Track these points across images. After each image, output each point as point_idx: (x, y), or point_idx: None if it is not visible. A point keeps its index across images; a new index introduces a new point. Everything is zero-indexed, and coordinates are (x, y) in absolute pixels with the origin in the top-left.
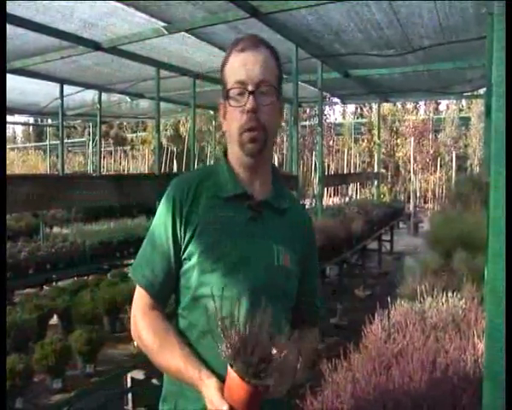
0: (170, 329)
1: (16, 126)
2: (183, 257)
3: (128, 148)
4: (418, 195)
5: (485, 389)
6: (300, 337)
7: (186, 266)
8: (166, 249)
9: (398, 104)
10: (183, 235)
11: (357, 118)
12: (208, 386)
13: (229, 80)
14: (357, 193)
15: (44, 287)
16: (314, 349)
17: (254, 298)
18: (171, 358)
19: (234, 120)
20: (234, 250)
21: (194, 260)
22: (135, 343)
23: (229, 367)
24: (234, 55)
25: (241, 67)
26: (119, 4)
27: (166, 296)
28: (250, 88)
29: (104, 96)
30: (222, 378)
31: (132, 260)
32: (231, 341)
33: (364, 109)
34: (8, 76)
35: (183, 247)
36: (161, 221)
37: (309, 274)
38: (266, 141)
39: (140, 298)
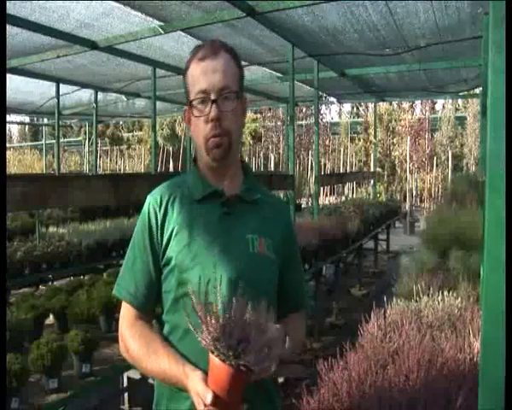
0: (155, 335)
1: (12, 126)
2: (163, 263)
3: (124, 147)
4: (414, 194)
5: (481, 390)
6: (285, 322)
7: (165, 271)
8: (146, 261)
9: (395, 103)
10: (160, 242)
11: (354, 117)
12: (193, 379)
13: (192, 89)
14: (353, 192)
15: (40, 287)
16: (301, 331)
17: (233, 287)
18: (156, 360)
19: (199, 128)
20: (209, 246)
21: (172, 263)
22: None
23: (210, 354)
24: (194, 63)
25: (202, 76)
26: (115, 3)
27: (151, 306)
28: (212, 96)
29: (100, 95)
30: (207, 372)
31: None
32: (209, 327)
33: (360, 109)
34: None
35: (161, 254)
36: (139, 234)
37: (290, 261)
38: (231, 144)
39: (125, 311)
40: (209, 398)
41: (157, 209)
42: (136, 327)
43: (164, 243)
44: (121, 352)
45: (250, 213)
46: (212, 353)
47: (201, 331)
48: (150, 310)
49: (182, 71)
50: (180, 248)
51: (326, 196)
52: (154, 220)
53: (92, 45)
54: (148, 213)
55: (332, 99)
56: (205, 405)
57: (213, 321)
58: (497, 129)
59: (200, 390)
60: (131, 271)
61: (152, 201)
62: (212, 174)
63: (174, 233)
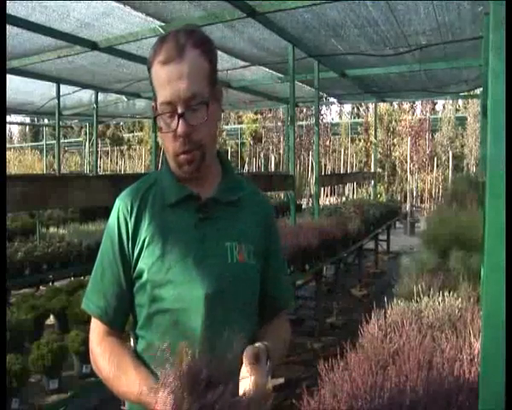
0: (125, 353)
1: (13, 126)
2: (134, 276)
3: (125, 148)
4: (415, 194)
5: (482, 390)
6: (270, 330)
7: (137, 284)
8: (116, 272)
9: (395, 104)
10: (131, 253)
11: (354, 118)
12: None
13: (157, 96)
14: (353, 193)
15: (41, 287)
16: (286, 336)
17: (210, 305)
18: (127, 384)
19: (167, 142)
20: (184, 258)
21: (144, 277)
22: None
23: None
24: (157, 65)
25: (166, 84)
26: (115, 4)
27: (122, 320)
28: (179, 110)
29: (101, 95)
30: None
31: None
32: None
33: (361, 109)
34: None
35: (132, 265)
36: (108, 244)
37: (273, 263)
38: (204, 156)
39: (95, 326)
40: None
41: (127, 217)
42: (105, 343)
43: (135, 254)
44: (93, 368)
45: (228, 217)
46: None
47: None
48: (121, 324)
49: None
50: (153, 260)
51: (326, 196)
52: (124, 229)
53: (93, 46)
54: (118, 220)
55: (332, 100)
56: None
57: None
58: (497, 131)
59: None
60: (101, 283)
61: (122, 206)
62: (185, 179)
63: (146, 244)
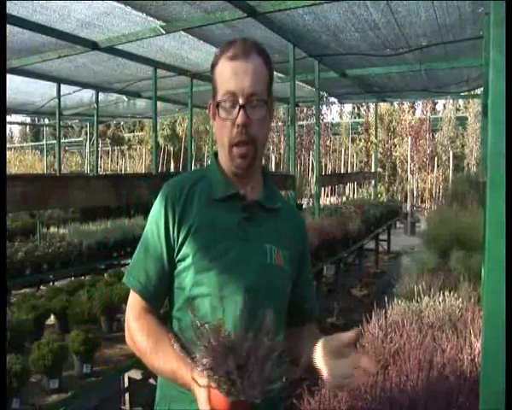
0: (163, 331)
1: (13, 126)
2: (177, 259)
3: (125, 147)
4: (415, 194)
5: (482, 390)
6: (302, 332)
7: (180, 267)
8: (160, 252)
9: (395, 104)
10: (176, 236)
11: (355, 117)
12: (199, 391)
13: (220, 88)
14: (354, 193)
15: (41, 287)
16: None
17: (248, 296)
18: (165, 359)
19: (224, 130)
20: (228, 251)
21: (188, 260)
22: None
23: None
24: (224, 60)
25: (232, 76)
26: (116, 3)
27: (161, 299)
28: (241, 101)
29: (101, 95)
30: None
31: (129, 260)
32: (203, 359)
33: (361, 109)
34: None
35: (176, 248)
36: (154, 224)
37: (304, 273)
38: (256, 153)
39: (134, 302)
40: None
41: (175, 202)
42: (144, 320)
43: (181, 238)
44: (127, 343)
45: (269, 221)
46: (209, 378)
47: (197, 360)
48: (159, 303)
49: (182, 71)
50: (198, 247)
51: (327, 196)
52: (171, 213)
53: (93, 45)
54: (166, 203)
55: (333, 99)
56: None
57: (211, 348)
58: (498, 127)
59: (202, 403)
60: (143, 260)
61: (171, 191)
62: (234, 177)
63: (193, 230)
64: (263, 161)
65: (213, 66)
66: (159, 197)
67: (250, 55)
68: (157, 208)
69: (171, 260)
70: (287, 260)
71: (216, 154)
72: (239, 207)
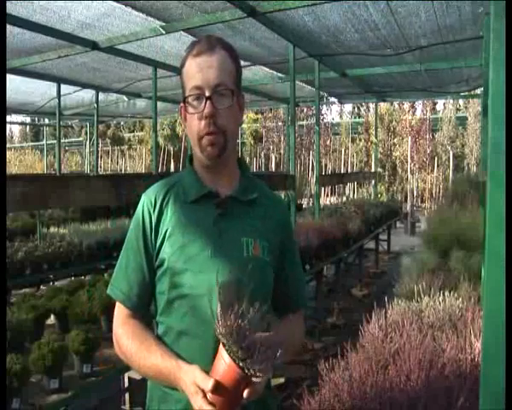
0: (148, 332)
1: (13, 126)
2: (156, 264)
3: (125, 147)
4: (415, 194)
5: (482, 390)
6: (284, 324)
7: (159, 272)
8: (139, 262)
9: (395, 104)
10: (153, 243)
11: (355, 117)
12: (187, 371)
13: (187, 86)
14: (354, 192)
15: (41, 287)
16: (300, 332)
17: (225, 293)
18: (148, 356)
19: (193, 125)
20: (203, 249)
21: (164, 265)
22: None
23: (220, 346)
24: (190, 59)
25: (197, 72)
26: (116, 4)
27: (145, 306)
28: (207, 93)
29: (101, 95)
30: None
31: None
32: (228, 321)
33: (361, 109)
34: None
35: (154, 255)
36: (133, 234)
37: (287, 260)
38: (226, 143)
39: (118, 311)
40: (211, 384)
41: (151, 210)
42: (128, 326)
43: (158, 244)
44: (116, 351)
45: (246, 214)
46: (224, 346)
47: (218, 320)
48: (143, 310)
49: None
50: (173, 250)
51: (327, 196)
52: (148, 221)
53: (93, 45)
54: (143, 213)
55: (333, 99)
56: (203, 394)
57: (232, 317)
58: (498, 122)
59: (199, 379)
60: (125, 271)
61: (146, 201)
62: (207, 173)
63: (168, 235)
64: (263, 161)
65: (181, 67)
66: (137, 207)
67: (214, 49)
68: (135, 219)
69: (152, 267)
70: (266, 249)
71: (191, 158)
72: (213, 205)
